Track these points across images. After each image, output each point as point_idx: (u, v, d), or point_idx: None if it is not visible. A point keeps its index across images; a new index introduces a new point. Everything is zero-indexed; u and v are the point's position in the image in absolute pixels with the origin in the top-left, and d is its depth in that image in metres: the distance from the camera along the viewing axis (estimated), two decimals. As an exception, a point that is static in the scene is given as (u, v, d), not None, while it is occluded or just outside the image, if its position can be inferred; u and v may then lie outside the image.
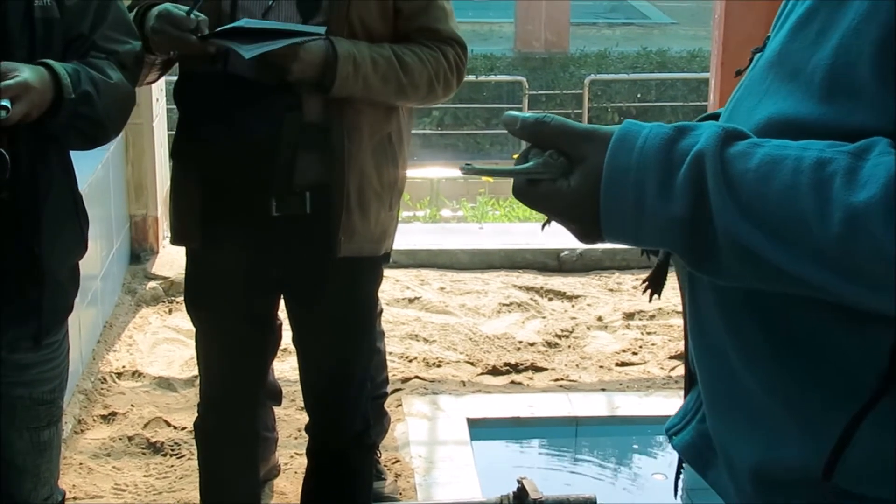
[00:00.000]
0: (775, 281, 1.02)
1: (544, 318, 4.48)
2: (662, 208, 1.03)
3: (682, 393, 1.35)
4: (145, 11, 2.22)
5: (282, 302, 2.53)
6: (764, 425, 1.14)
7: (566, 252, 4.97)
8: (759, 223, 0.99)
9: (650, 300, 1.31)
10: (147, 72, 2.28)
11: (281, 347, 2.90)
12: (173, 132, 2.47)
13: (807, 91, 1.06)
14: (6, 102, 1.72)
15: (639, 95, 12.44)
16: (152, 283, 4.56)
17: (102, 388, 3.76)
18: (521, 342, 4.23)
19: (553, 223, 1.18)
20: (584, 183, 1.08)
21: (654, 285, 1.29)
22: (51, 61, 1.86)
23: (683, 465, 1.33)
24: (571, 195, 1.08)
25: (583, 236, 1.16)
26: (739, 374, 1.15)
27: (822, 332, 1.08)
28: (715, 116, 1.30)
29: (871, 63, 1.01)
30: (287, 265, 2.39)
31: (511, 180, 1.13)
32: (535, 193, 1.11)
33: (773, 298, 1.08)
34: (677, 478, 1.37)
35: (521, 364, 4.06)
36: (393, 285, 4.66)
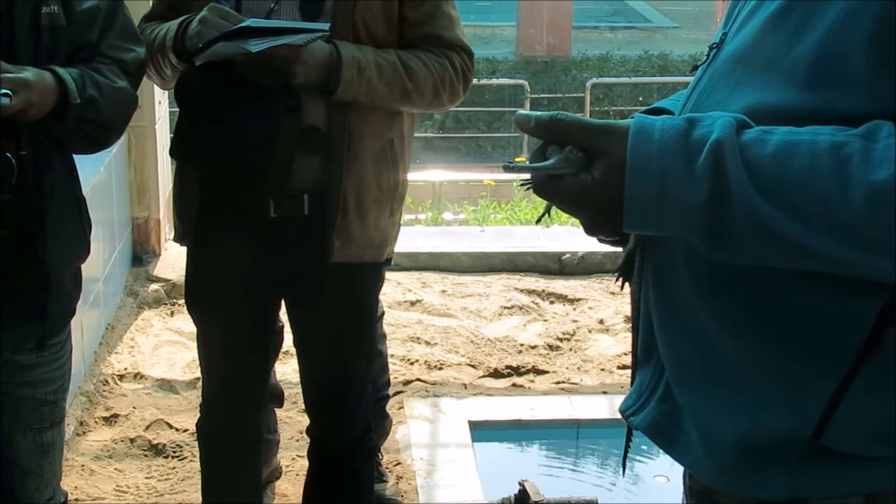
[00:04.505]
0: (794, 257, 1.09)
1: (546, 321, 4.48)
2: (685, 194, 1.09)
3: None
4: (189, 24, 2.21)
5: (283, 304, 2.54)
6: (748, 396, 1.19)
7: (568, 255, 4.98)
8: (781, 204, 1.06)
9: (621, 288, 1.38)
10: (172, 73, 2.30)
11: (283, 350, 2.91)
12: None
13: (788, 81, 1.12)
14: (7, 92, 1.75)
15: (640, 99, 12.45)
16: (154, 286, 4.57)
17: (104, 390, 3.77)
18: (522, 345, 4.23)
19: (548, 217, 1.24)
20: (607, 174, 1.12)
21: (626, 274, 1.36)
22: (56, 67, 1.88)
23: (630, 444, 1.42)
24: (595, 187, 1.13)
25: (598, 229, 1.22)
26: (719, 350, 1.20)
27: (808, 305, 1.14)
28: (661, 110, 1.35)
29: (866, 53, 1.07)
30: (286, 267, 2.38)
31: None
32: (558, 188, 1.15)
33: (757, 275, 1.14)
34: (625, 454, 1.45)
35: (523, 367, 4.06)
36: (395, 288, 4.67)
